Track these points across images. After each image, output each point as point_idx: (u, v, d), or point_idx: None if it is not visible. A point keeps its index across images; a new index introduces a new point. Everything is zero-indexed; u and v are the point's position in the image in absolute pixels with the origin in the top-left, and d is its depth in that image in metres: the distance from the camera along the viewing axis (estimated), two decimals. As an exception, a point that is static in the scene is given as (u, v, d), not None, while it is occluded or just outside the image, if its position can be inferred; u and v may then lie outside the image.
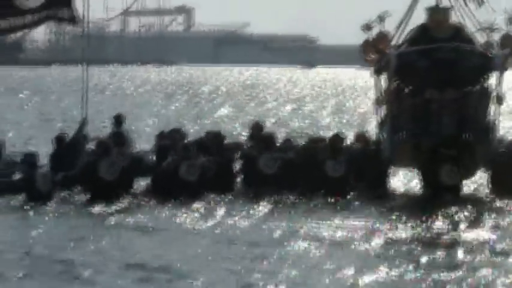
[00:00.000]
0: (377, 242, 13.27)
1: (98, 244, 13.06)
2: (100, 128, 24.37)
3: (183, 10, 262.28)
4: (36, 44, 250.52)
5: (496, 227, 14.68)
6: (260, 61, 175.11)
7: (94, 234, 13.79)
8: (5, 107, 44.85)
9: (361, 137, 18.27)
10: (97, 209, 15.49)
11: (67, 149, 17.98)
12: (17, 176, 17.18)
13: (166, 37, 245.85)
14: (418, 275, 11.40)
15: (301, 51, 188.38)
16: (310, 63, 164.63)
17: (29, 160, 17.16)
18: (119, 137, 18.16)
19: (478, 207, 16.50)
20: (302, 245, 13.11)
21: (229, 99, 53.42)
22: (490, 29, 18.37)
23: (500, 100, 17.93)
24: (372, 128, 21.24)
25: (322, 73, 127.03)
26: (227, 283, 11.26)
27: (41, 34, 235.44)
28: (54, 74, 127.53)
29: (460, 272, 11.70)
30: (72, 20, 18.93)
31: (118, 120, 19.46)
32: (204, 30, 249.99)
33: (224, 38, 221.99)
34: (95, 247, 12.88)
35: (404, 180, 18.81)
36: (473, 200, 17.21)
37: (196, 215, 15.06)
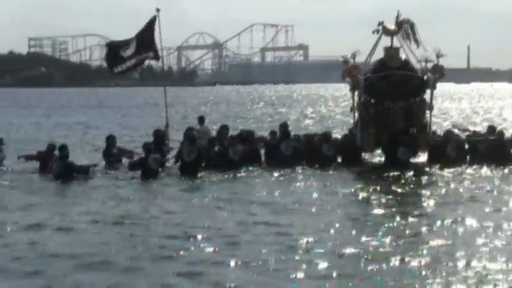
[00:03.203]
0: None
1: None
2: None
3: (302, 47, 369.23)
4: (206, 71, 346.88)
5: (431, 183, 19.81)
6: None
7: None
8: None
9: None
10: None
11: (160, 140, 22.70)
12: (135, 159, 21.57)
13: (291, 65, 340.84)
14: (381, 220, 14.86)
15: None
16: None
17: (145, 147, 21.22)
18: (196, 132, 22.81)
19: (420, 171, 21.70)
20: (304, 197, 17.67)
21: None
22: (426, 60, 23.52)
23: (431, 107, 23.55)
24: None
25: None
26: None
27: (208, 64, 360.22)
28: (216, 91, 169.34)
29: (407, 211, 15.73)
30: (156, 57, 23.54)
31: (201, 120, 25.07)
32: (316, 60, 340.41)
33: (329, 64, 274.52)
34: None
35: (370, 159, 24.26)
36: (417, 167, 22.44)
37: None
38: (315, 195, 18.07)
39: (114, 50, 23.39)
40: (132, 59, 23.12)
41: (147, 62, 24.87)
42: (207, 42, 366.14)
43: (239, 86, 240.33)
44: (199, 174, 20.94)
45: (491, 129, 24.57)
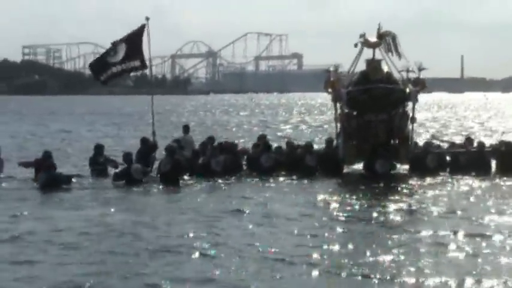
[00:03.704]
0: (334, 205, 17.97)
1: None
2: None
3: (296, 56, 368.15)
4: (200, 79, 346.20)
5: (411, 194, 19.76)
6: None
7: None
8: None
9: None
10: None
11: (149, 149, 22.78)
12: (118, 169, 21.73)
13: (285, 74, 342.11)
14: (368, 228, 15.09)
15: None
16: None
17: (126, 158, 21.65)
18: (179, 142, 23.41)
19: (399, 183, 21.68)
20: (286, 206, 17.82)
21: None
22: (407, 70, 23.63)
23: (413, 120, 23.50)
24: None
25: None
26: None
27: (202, 73, 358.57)
28: (210, 100, 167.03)
29: (389, 218, 16.09)
30: (144, 67, 23.55)
31: (185, 129, 25.12)
32: (310, 69, 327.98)
33: (323, 73, 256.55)
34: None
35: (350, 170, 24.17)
36: (396, 179, 22.54)
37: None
38: (291, 206, 18.10)
39: (99, 57, 23.87)
40: (119, 65, 23.12)
41: (133, 73, 25.05)
42: (201, 51, 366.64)
43: (235, 94, 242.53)
44: (180, 184, 21.28)
45: (469, 140, 24.72)
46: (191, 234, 14.60)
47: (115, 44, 23.17)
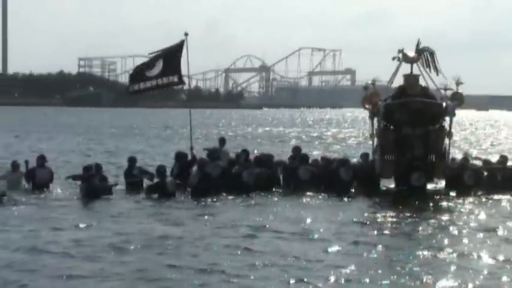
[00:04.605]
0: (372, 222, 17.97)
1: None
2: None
3: (349, 72, 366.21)
4: (253, 93, 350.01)
5: (449, 210, 19.83)
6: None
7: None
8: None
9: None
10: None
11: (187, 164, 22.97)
12: (152, 181, 21.91)
13: (338, 89, 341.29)
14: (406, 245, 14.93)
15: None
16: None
17: (161, 170, 21.92)
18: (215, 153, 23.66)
19: (437, 198, 21.80)
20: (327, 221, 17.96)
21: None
22: (445, 88, 23.82)
23: (450, 135, 23.56)
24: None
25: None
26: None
27: (255, 87, 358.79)
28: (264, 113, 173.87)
29: (428, 235, 16.09)
30: (181, 83, 23.86)
31: (221, 141, 25.35)
32: (363, 85, 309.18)
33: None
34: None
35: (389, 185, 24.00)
36: (435, 193, 22.66)
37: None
38: (327, 223, 17.94)
39: (137, 69, 23.97)
40: (154, 80, 23.35)
41: (170, 87, 25.22)
42: (254, 65, 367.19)
43: (288, 108, 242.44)
44: (209, 198, 21.21)
45: (504, 158, 24.52)
46: (224, 253, 14.51)
47: (153, 58, 23.39)
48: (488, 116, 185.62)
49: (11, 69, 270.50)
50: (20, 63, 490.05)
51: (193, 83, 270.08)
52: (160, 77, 23.34)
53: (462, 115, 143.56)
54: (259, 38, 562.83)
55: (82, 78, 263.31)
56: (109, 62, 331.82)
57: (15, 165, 23.06)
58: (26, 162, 23.04)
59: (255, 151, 29.51)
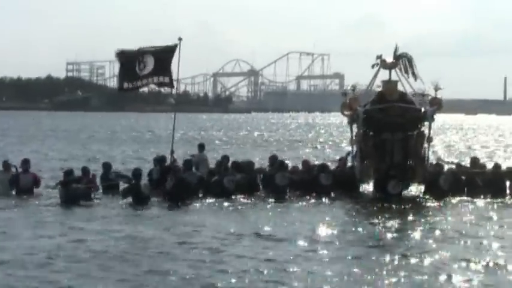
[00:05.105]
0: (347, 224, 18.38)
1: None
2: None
3: (338, 76, 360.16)
4: (241, 97, 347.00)
5: (426, 215, 19.97)
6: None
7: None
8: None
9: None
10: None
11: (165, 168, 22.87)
12: (126, 185, 21.84)
13: (326, 94, 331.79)
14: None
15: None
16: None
17: (136, 173, 21.73)
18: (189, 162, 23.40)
19: (416, 203, 22.04)
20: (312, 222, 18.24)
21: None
22: (423, 94, 23.97)
23: (430, 139, 23.64)
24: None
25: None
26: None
27: (243, 91, 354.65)
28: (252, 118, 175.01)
29: (400, 236, 16.42)
30: (171, 84, 23.65)
31: (200, 147, 25.39)
32: None
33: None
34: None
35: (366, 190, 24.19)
36: (412, 199, 22.77)
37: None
38: (307, 227, 17.99)
39: (127, 65, 23.52)
40: (146, 78, 23.33)
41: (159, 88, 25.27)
42: (243, 70, 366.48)
43: (277, 113, 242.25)
44: (186, 204, 21.25)
45: (475, 161, 24.63)
46: (201, 257, 14.54)
47: (144, 56, 23.20)
48: (474, 120, 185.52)
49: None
50: (8, 68, 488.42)
51: (182, 87, 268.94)
52: (151, 76, 23.33)
53: (448, 119, 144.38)
54: (248, 42, 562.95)
55: (70, 82, 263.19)
56: (97, 66, 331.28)
57: (6, 165, 22.95)
58: (15, 166, 22.98)
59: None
